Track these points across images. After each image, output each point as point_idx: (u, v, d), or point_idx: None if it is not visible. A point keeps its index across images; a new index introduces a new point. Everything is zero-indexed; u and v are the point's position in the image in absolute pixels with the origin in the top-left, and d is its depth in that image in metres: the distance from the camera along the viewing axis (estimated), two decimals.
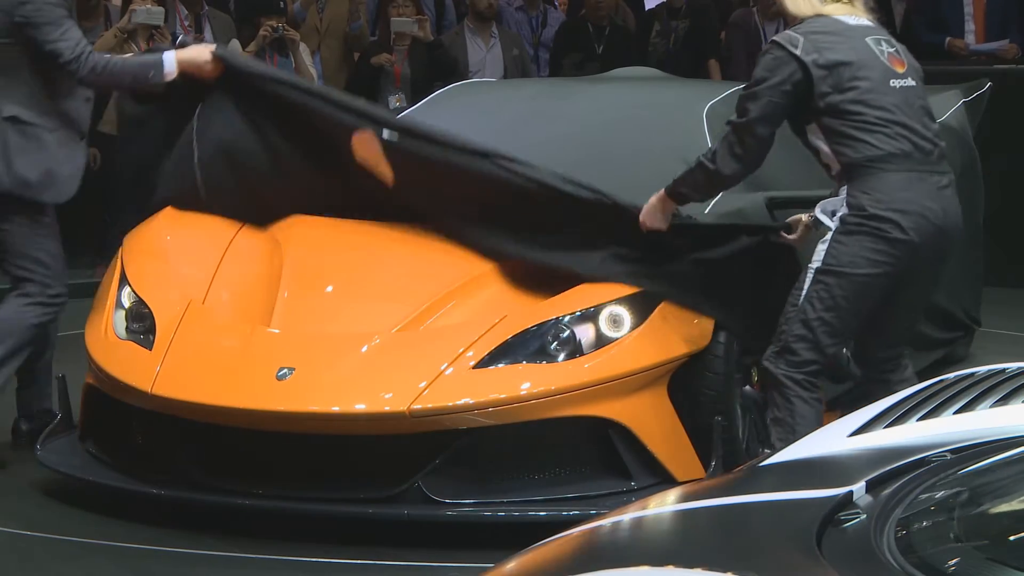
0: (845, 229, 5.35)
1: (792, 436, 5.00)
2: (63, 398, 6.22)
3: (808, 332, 5.34)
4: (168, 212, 6.48)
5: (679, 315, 5.69)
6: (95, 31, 11.42)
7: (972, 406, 3.23)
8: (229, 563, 5.39)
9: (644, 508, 3.04)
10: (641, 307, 5.67)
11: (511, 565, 2.76)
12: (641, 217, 5.70)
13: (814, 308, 5.33)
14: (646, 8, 13.95)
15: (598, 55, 11.84)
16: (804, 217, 5.71)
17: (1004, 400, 3.24)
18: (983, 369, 3.52)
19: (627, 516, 2.97)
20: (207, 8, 11.66)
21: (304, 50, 11.38)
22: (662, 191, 5.65)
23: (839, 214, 5.37)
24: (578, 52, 12.04)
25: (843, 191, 5.39)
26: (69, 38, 6.39)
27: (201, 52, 6.43)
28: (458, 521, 5.47)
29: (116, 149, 10.92)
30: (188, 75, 6.39)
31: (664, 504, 3.05)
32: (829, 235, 5.37)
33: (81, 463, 5.95)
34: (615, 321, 5.65)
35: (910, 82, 5.54)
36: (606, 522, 2.93)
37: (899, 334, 5.66)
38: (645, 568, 2.56)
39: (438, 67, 11.23)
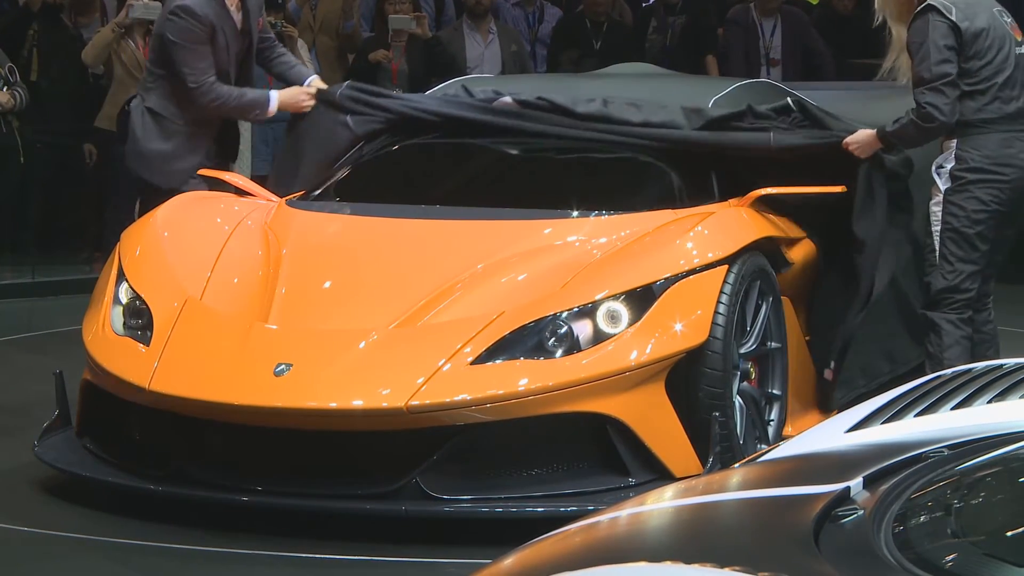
0: (955, 186, 6.42)
1: (941, 367, 5.93)
2: (60, 394, 6.21)
3: (948, 282, 6.45)
4: (165, 209, 6.50)
5: (677, 311, 5.69)
6: (92, 27, 11.43)
7: (969, 402, 3.23)
8: (226, 559, 5.39)
9: (642, 504, 3.03)
10: (639, 303, 5.67)
11: (508, 561, 2.76)
12: (852, 140, 6.51)
13: (950, 263, 6.45)
14: (643, 4, 13.95)
15: (596, 51, 11.84)
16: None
17: (1001, 396, 3.24)
18: (980, 365, 3.52)
19: (625, 512, 2.96)
20: None
21: (302, 46, 11.38)
22: (879, 130, 6.48)
23: (948, 168, 6.43)
24: (576, 48, 12.04)
25: (951, 144, 6.43)
26: (195, 70, 7.25)
27: (298, 94, 7.38)
28: (456, 517, 5.47)
29: (113, 145, 10.99)
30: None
31: (662, 500, 3.05)
32: (940, 196, 6.45)
33: (78, 459, 5.95)
34: (613, 317, 5.65)
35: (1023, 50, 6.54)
36: (603, 518, 2.93)
37: (990, 271, 6.65)
38: (643, 564, 2.56)
39: (436, 63, 11.24)
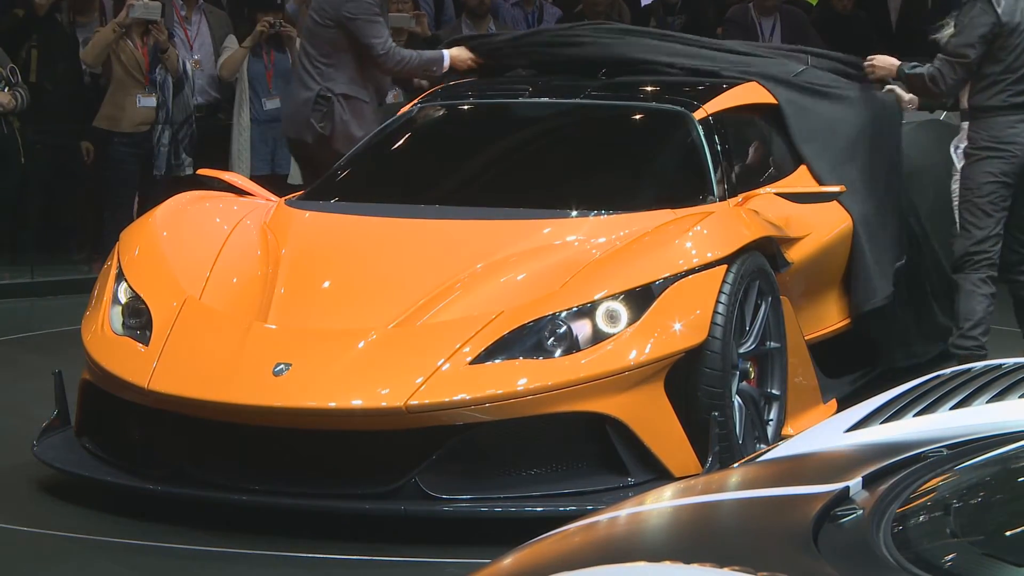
0: (968, 163, 7.35)
1: (966, 322, 7.31)
2: (60, 394, 6.21)
3: (966, 247, 7.34)
4: (164, 209, 6.51)
5: (676, 311, 5.69)
6: (90, 26, 11.42)
7: (968, 402, 3.23)
8: (225, 559, 5.38)
9: (641, 504, 3.03)
10: (638, 303, 5.67)
11: (507, 561, 2.76)
12: (877, 59, 7.53)
13: (967, 230, 7.35)
14: (642, 4, 13.95)
15: None
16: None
17: (1000, 396, 3.24)
18: (979, 365, 3.52)
19: (624, 512, 2.97)
20: (202, 2, 11.66)
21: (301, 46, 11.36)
22: (900, 65, 7.46)
23: (962, 147, 7.38)
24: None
25: (964, 126, 7.42)
26: (380, 36, 8.35)
27: (465, 54, 8.10)
28: (455, 517, 5.47)
29: (111, 145, 10.99)
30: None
31: (661, 500, 3.05)
32: (957, 173, 7.40)
33: (77, 459, 5.95)
34: (612, 317, 5.65)
35: None
36: (603, 518, 2.93)
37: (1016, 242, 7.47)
38: (642, 564, 2.57)
39: None
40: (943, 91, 7.37)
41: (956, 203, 7.44)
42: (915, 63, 7.41)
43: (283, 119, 9.19)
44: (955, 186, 7.45)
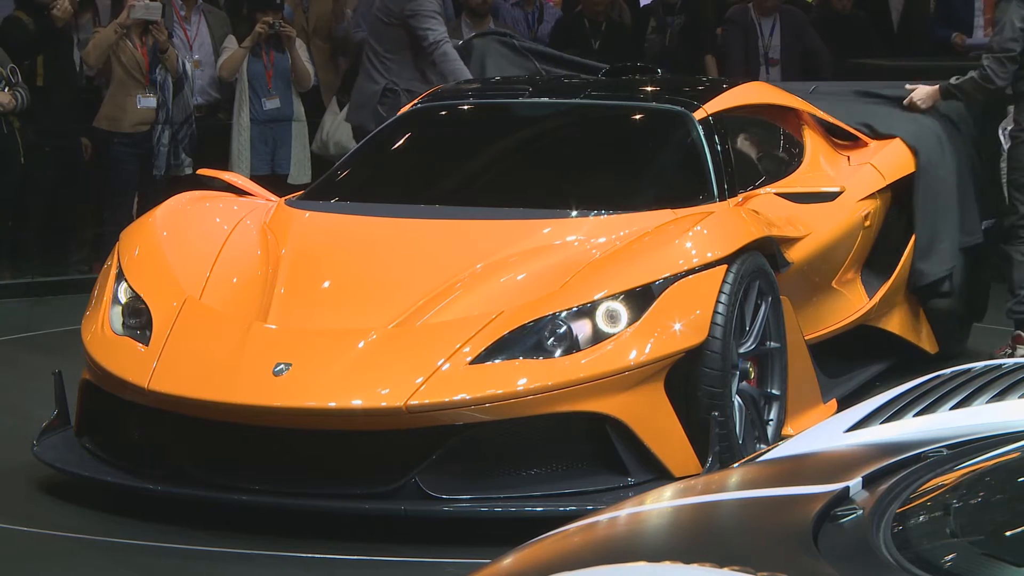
0: (1013, 144, 8.03)
1: (1021, 290, 7.94)
2: (59, 394, 6.21)
3: (1014, 220, 8.03)
4: (164, 208, 6.51)
5: (676, 311, 5.69)
6: (87, 27, 11.41)
7: (968, 402, 3.23)
8: (225, 559, 5.39)
9: (641, 504, 3.03)
10: (638, 303, 5.67)
11: (507, 561, 2.76)
12: (913, 97, 7.96)
13: (1014, 205, 8.03)
14: (642, 4, 13.95)
15: (594, 51, 11.84)
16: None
17: (1000, 396, 3.24)
18: (979, 365, 3.53)
19: (624, 512, 2.97)
20: (201, 2, 11.67)
21: (300, 46, 11.38)
22: (940, 85, 7.96)
23: (1008, 129, 8.10)
24: (575, 48, 12.03)
25: (1011, 109, 8.08)
26: (435, 31, 9.11)
27: None
28: (455, 517, 5.47)
29: (111, 145, 10.98)
30: None
31: (661, 500, 3.05)
32: (1005, 152, 8.16)
33: (77, 459, 5.95)
34: (612, 317, 5.65)
35: None
36: (603, 518, 2.93)
37: None
38: (642, 564, 2.57)
39: None
40: (999, 87, 7.91)
41: (1004, 180, 8.12)
42: (955, 76, 7.94)
43: (350, 108, 9.96)
44: (1003, 165, 8.14)
